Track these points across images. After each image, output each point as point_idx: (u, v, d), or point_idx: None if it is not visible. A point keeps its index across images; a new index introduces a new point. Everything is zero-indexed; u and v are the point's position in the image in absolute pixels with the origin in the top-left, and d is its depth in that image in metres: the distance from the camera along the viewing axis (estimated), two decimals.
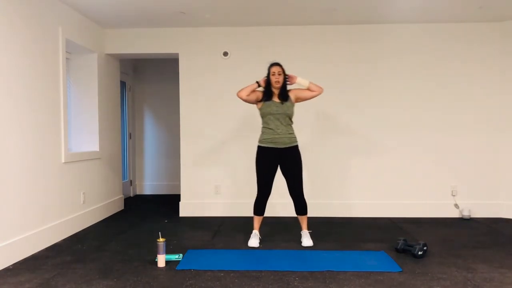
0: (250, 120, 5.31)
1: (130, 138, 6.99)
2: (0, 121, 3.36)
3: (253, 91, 3.96)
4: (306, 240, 3.93)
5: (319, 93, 3.98)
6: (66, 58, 4.75)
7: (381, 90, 5.25)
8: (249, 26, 5.30)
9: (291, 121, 3.97)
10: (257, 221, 4.04)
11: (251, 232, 4.04)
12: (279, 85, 3.90)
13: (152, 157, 7.24)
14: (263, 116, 3.96)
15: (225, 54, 5.33)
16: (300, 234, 4.05)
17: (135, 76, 7.20)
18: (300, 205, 3.97)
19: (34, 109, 3.81)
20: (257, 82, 3.98)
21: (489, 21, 5.13)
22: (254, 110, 5.28)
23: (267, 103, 3.91)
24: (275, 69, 3.90)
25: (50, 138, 4.07)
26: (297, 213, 4.02)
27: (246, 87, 3.96)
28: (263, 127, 3.98)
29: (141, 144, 7.24)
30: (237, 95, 3.95)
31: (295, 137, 3.96)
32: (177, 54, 5.40)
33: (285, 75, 3.94)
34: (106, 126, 5.36)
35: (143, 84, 7.22)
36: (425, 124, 5.23)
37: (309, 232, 4.01)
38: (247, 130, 5.31)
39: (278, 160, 3.92)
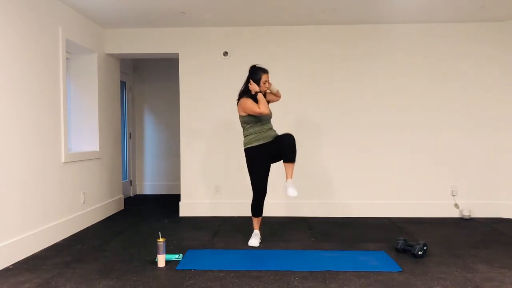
0: None
1: (130, 138, 6.99)
2: (0, 121, 3.36)
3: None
4: (292, 190, 3.77)
5: (277, 101, 4.25)
6: (66, 58, 4.74)
7: (381, 90, 5.25)
8: (249, 26, 5.30)
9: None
10: (256, 222, 4.04)
11: (251, 232, 4.04)
12: (266, 91, 4.03)
13: (152, 157, 7.24)
14: (260, 119, 3.90)
15: (225, 54, 5.33)
16: (285, 186, 3.87)
17: (135, 76, 7.20)
18: (292, 151, 3.79)
19: (34, 109, 3.81)
20: (260, 91, 3.89)
21: (490, 21, 5.12)
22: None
23: None
24: (267, 78, 3.98)
25: (50, 138, 4.07)
26: (286, 161, 3.82)
27: (262, 102, 3.82)
28: (250, 129, 3.92)
29: (141, 144, 7.24)
30: (263, 113, 3.81)
31: (274, 129, 4.04)
32: (177, 54, 5.39)
33: None
34: (106, 126, 5.36)
35: (143, 84, 7.21)
36: (425, 124, 5.23)
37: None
38: None
39: (270, 152, 3.88)
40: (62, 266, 3.38)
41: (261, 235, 4.04)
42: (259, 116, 3.89)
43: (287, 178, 3.86)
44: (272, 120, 4.05)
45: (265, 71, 3.98)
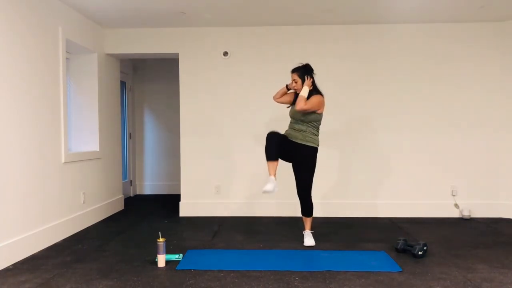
0: (250, 120, 5.32)
1: (130, 138, 6.99)
2: (0, 121, 3.36)
3: (285, 93, 4.12)
4: (308, 240, 3.94)
5: (299, 108, 3.82)
6: (66, 58, 4.75)
7: (381, 90, 5.25)
8: (249, 26, 5.30)
9: (309, 123, 3.92)
10: (271, 166, 3.81)
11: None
12: (298, 91, 3.98)
13: (152, 157, 7.24)
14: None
15: (225, 54, 5.33)
16: (303, 234, 4.05)
17: (135, 76, 7.20)
18: (305, 207, 3.98)
19: (34, 109, 3.81)
20: (286, 85, 4.10)
21: (489, 21, 5.12)
22: (253, 111, 5.31)
23: (293, 105, 4.05)
24: (292, 76, 4.00)
25: (50, 138, 4.07)
26: (302, 214, 4.03)
27: (278, 90, 4.17)
28: None
29: (141, 144, 7.24)
30: (273, 98, 4.17)
31: (312, 137, 3.94)
32: (177, 54, 5.39)
33: (303, 80, 3.93)
34: (106, 126, 5.36)
35: (143, 84, 7.22)
36: (425, 124, 5.23)
37: (311, 232, 4.01)
38: (247, 130, 5.32)
39: (292, 150, 3.92)
40: (62, 266, 3.38)
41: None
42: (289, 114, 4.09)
43: (305, 228, 4.05)
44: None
45: (292, 70, 4.02)
